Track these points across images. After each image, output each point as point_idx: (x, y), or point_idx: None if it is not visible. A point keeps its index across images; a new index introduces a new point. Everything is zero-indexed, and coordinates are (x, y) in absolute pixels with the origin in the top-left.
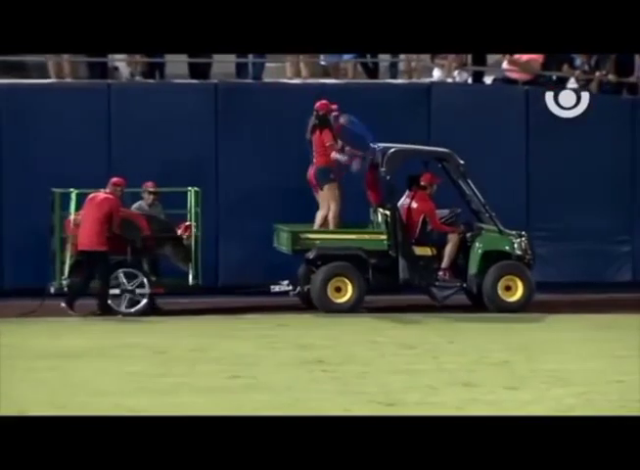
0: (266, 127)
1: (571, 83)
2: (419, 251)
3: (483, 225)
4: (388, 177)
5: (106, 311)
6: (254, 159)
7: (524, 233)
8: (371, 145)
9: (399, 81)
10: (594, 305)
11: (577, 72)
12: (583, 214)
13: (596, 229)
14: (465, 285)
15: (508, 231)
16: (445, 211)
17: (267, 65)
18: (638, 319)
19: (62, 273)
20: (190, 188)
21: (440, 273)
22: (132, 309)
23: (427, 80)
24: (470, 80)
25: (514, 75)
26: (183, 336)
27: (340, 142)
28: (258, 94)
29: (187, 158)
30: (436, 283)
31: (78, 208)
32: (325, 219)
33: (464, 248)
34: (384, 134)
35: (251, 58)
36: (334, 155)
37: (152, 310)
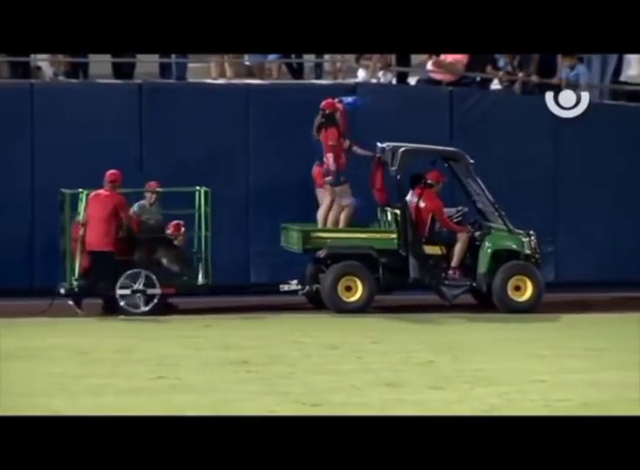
0: (191, 128)
1: (495, 84)
2: (429, 250)
3: (492, 224)
4: (398, 176)
5: (112, 312)
6: (179, 158)
7: (532, 232)
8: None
9: (324, 82)
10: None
11: (501, 73)
12: (507, 215)
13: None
14: (474, 284)
15: (517, 230)
16: (452, 210)
17: (193, 65)
18: (560, 319)
19: (72, 274)
20: (198, 188)
21: (450, 272)
22: (142, 309)
23: (351, 81)
24: (394, 81)
25: (438, 77)
26: (107, 337)
27: (347, 141)
28: (183, 94)
29: (111, 158)
30: (446, 282)
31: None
32: (326, 216)
33: (472, 247)
34: (308, 134)
35: (173, 58)
36: (328, 158)
37: (166, 309)
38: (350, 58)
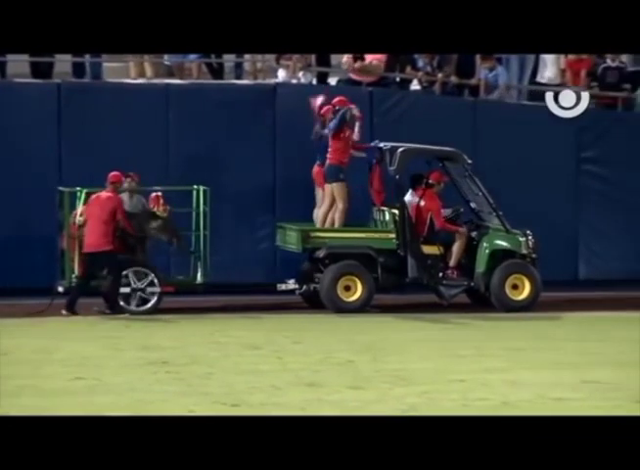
0: (110, 128)
1: (415, 85)
2: (427, 249)
3: (489, 224)
4: (397, 176)
5: (116, 311)
6: (99, 159)
7: (529, 232)
8: (375, 145)
9: (244, 82)
10: (435, 305)
11: (420, 74)
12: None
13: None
14: (472, 284)
15: (514, 230)
16: (448, 211)
17: (112, 65)
18: (480, 318)
19: (72, 272)
20: (195, 186)
21: (448, 272)
22: (142, 308)
23: (272, 81)
24: (314, 81)
25: (358, 77)
26: (28, 337)
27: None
28: (102, 94)
29: (29, 158)
30: (444, 282)
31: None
32: (326, 216)
33: (469, 247)
34: (229, 134)
35: (87, 58)
36: (355, 153)
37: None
38: (271, 58)
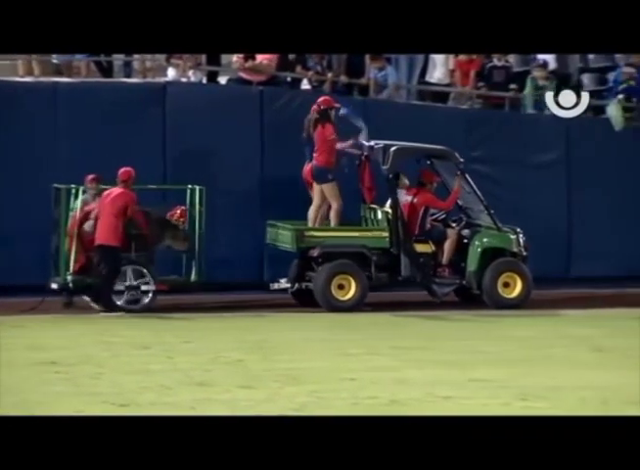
0: None
1: (305, 84)
2: (419, 248)
3: (481, 222)
4: (390, 175)
5: (111, 308)
6: None
7: (519, 230)
8: (364, 142)
9: (134, 80)
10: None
11: (311, 73)
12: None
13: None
14: (464, 282)
15: (505, 228)
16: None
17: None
18: (369, 318)
19: (67, 269)
20: (189, 186)
21: (440, 270)
22: (134, 306)
23: (161, 80)
24: (204, 80)
25: (248, 76)
26: None
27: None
28: None
29: None
30: (436, 280)
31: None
32: (317, 215)
33: (459, 245)
34: (118, 133)
35: None
36: (339, 145)
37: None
38: (161, 57)
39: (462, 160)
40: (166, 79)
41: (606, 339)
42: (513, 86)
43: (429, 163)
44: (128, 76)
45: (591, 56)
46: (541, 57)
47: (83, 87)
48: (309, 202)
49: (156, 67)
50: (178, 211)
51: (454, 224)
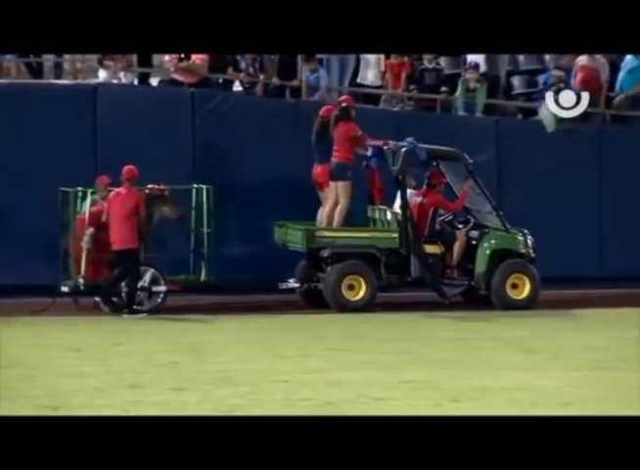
0: None
1: (237, 86)
2: (429, 249)
3: (489, 224)
4: (400, 176)
5: (133, 311)
6: None
7: (526, 231)
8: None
9: (64, 82)
10: (264, 308)
11: (242, 75)
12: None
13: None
14: (473, 283)
15: (513, 230)
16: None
17: None
18: (301, 319)
19: (78, 272)
20: (195, 185)
21: (448, 271)
22: (146, 307)
23: (93, 81)
24: (136, 82)
25: (180, 78)
26: None
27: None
28: None
29: None
30: (445, 281)
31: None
32: (332, 216)
33: (468, 246)
34: (49, 135)
35: None
36: (371, 142)
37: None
38: (92, 58)
39: (471, 161)
40: (98, 81)
41: (535, 340)
42: (444, 89)
43: (435, 164)
44: (59, 78)
45: (521, 58)
46: (472, 59)
47: (13, 88)
48: (318, 203)
49: (87, 68)
50: (151, 185)
51: (460, 226)
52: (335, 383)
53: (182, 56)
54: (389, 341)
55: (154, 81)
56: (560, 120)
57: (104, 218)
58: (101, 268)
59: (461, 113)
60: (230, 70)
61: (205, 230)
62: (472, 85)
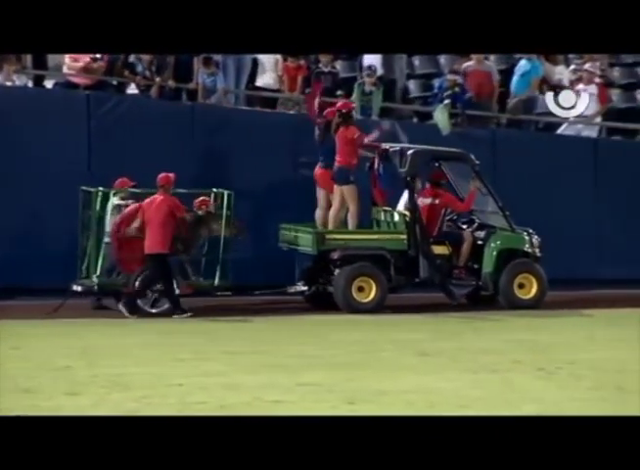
0: None
1: (132, 89)
2: (436, 250)
3: (495, 224)
4: (408, 178)
5: (180, 311)
6: None
7: (531, 230)
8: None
9: None
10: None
11: (138, 78)
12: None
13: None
14: (480, 283)
15: (519, 230)
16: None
17: None
18: (199, 321)
19: (95, 272)
20: (215, 190)
21: (456, 272)
22: (158, 309)
23: None
24: (30, 84)
25: (75, 80)
26: None
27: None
28: None
29: None
30: (453, 282)
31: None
32: (338, 218)
33: (475, 246)
34: None
35: None
36: (367, 139)
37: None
38: None
39: (477, 162)
40: None
41: (431, 343)
42: (340, 92)
43: (437, 164)
44: None
45: (416, 62)
46: (368, 63)
47: None
48: (314, 205)
49: None
50: (197, 202)
51: (464, 226)
52: (231, 386)
53: (97, 56)
54: (289, 344)
55: (49, 84)
56: (454, 124)
57: (136, 225)
58: (131, 265)
59: (357, 116)
60: (126, 72)
61: (222, 235)
62: (368, 89)
